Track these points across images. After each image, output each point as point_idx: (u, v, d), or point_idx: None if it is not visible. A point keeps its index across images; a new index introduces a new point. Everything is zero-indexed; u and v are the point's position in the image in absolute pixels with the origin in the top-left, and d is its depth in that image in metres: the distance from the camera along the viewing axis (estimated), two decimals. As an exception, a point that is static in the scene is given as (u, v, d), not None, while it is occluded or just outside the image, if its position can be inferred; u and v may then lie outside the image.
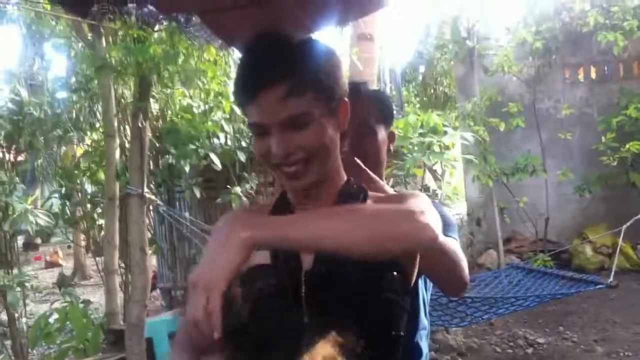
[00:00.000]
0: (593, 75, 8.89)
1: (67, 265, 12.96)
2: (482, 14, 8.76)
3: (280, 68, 1.13)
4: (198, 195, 6.26)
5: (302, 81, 1.14)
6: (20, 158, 5.96)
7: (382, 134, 1.71)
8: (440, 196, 6.83)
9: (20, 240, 8.50)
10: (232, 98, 6.70)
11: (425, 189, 6.97)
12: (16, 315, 5.34)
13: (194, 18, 2.90)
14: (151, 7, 2.65)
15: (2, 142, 5.59)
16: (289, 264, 1.18)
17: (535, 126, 8.02)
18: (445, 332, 5.62)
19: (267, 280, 1.18)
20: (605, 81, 8.77)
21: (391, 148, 1.77)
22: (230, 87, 7.20)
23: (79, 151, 7.71)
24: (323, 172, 1.21)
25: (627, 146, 7.32)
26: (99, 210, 6.51)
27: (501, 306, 4.87)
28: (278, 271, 1.19)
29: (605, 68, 8.80)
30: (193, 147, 5.88)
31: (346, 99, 1.23)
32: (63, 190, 6.23)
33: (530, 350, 5.42)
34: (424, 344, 1.74)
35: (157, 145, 6.37)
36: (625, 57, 8.40)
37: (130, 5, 2.59)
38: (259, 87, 1.13)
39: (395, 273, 1.16)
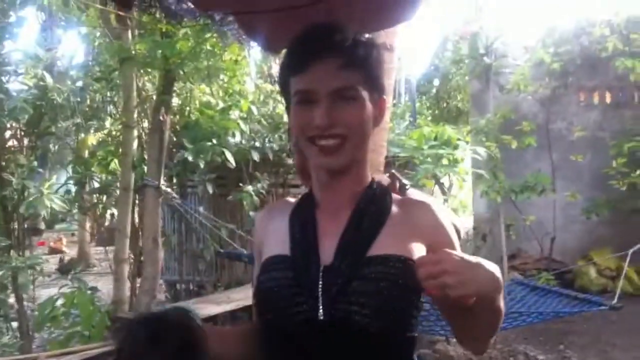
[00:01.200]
0: (608, 99, 8.93)
1: (70, 253, 13.02)
2: (501, 32, 8.81)
3: (339, 41, 1.20)
4: (210, 191, 6.33)
5: (356, 59, 1.20)
6: (39, 143, 6.01)
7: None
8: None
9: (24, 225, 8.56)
10: (250, 97, 6.80)
11: (433, 201, 7.01)
12: (25, 297, 5.40)
13: (229, 17, 2.96)
14: (189, 4, 2.72)
15: (22, 126, 5.66)
16: (308, 257, 1.21)
17: (547, 146, 8.05)
18: (446, 342, 5.66)
19: (284, 272, 1.21)
20: (620, 107, 8.81)
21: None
22: (250, 86, 7.31)
23: (92, 140, 7.79)
24: (355, 157, 1.24)
25: (638, 172, 7.36)
26: (106, 199, 6.58)
27: (503, 321, 4.90)
28: (296, 263, 1.21)
29: (621, 94, 8.83)
30: (209, 143, 5.96)
31: (385, 98, 1.28)
32: (77, 177, 6.30)
33: (529, 367, 5.46)
34: None
35: (174, 139, 6.45)
36: (641, 84, 8.44)
37: (170, 0, 2.65)
38: (317, 54, 1.18)
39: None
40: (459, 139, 6.61)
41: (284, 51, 1.34)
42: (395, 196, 1.32)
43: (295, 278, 1.19)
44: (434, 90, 14.49)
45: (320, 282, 1.16)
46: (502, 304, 1.20)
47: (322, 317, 1.14)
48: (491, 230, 8.51)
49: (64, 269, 10.15)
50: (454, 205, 11.49)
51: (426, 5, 2.33)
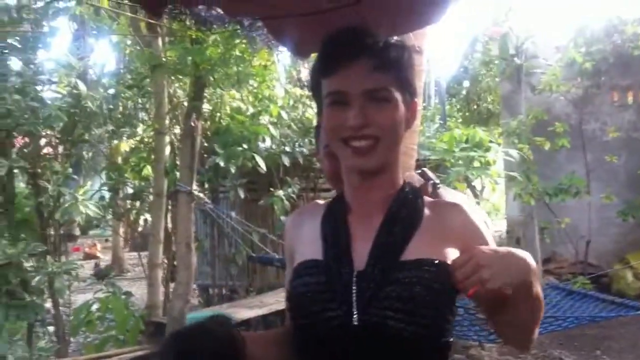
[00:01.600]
0: (642, 99, 8.77)
1: (105, 258, 13.20)
2: (531, 32, 8.72)
3: (370, 44, 1.20)
4: (242, 195, 6.36)
5: (388, 61, 1.20)
6: (73, 150, 6.10)
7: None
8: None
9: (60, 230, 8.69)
10: (279, 102, 6.83)
11: (465, 204, 6.96)
12: (61, 301, 5.48)
13: (258, 22, 2.99)
14: (219, 10, 2.75)
15: (57, 134, 5.76)
16: (341, 262, 1.20)
17: (580, 147, 7.94)
18: (480, 347, 5.61)
19: (317, 277, 1.20)
20: (655, 106, 8.65)
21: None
22: (279, 91, 7.34)
23: (124, 146, 7.89)
24: (388, 159, 1.23)
25: (675, 172, 7.22)
26: (139, 204, 6.67)
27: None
28: (329, 268, 1.20)
29: (655, 93, 8.67)
30: (240, 148, 6.00)
31: (416, 100, 1.28)
32: (111, 184, 6.40)
33: (565, 372, 5.37)
34: None
35: (205, 145, 6.50)
36: (676, 82, 8.28)
37: (200, 7, 2.69)
38: (348, 56, 1.18)
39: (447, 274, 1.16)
40: (490, 141, 6.54)
41: (313, 55, 1.34)
42: (427, 199, 1.31)
43: (328, 283, 1.18)
44: (463, 92, 14.38)
45: (354, 287, 1.16)
46: (539, 289, 1.20)
47: (356, 323, 1.13)
48: (525, 233, 8.41)
49: (99, 274, 10.30)
50: (487, 209, 11.40)
51: (454, 6, 2.31)
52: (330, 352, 1.16)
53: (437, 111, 12.27)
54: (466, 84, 14.35)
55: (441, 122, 11.38)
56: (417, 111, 1.29)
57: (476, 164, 6.26)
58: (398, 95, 1.21)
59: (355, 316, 1.13)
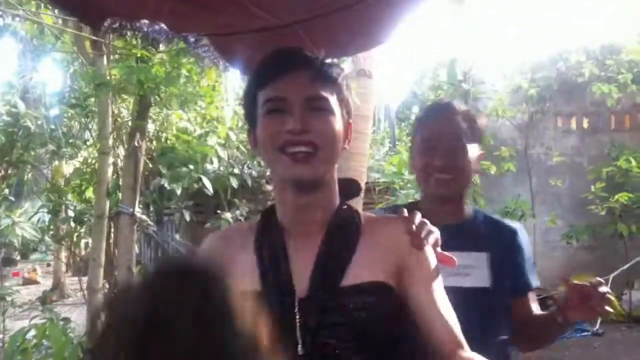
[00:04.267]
0: (585, 125, 8.99)
1: (45, 283, 12.78)
2: (479, 58, 8.88)
3: (312, 59, 1.21)
4: (188, 218, 6.23)
5: (328, 75, 1.20)
6: (10, 171, 5.90)
7: (472, 151, 1.72)
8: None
9: (-1, 255, 8.38)
10: (228, 123, 6.73)
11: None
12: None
13: (204, 39, 2.91)
14: (163, 26, 2.67)
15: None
16: (282, 291, 1.13)
17: (526, 171, 8.08)
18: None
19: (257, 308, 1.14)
20: (597, 132, 8.87)
21: (478, 168, 1.83)
22: (227, 113, 7.24)
23: (65, 168, 7.66)
24: (326, 172, 1.19)
25: (617, 197, 7.39)
26: (82, 228, 6.46)
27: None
28: (270, 298, 1.12)
29: (598, 119, 8.90)
30: (186, 169, 5.87)
31: (351, 122, 1.24)
32: (51, 205, 6.19)
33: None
34: None
35: (150, 166, 6.35)
36: (617, 109, 8.52)
37: (142, 21, 2.60)
38: (294, 64, 1.18)
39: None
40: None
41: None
42: (365, 215, 1.27)
43: (270, 314, 1.11)
44: (413, 117, 14.52)
45: (297, 316, 1.10)
46: None
47: (300, 353, 1.08)
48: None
49: (45, 300, 9.94)
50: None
51: (402, 28, 2.31)
52: None
53: (387, 135, 12.36)
54: (415, 108, 14.51)
55: (390, 145, 11.45)
56: (352, 133, 1.24)
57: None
58: (337, 110, 1.18)
59: (299, 347, 1.08)
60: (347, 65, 8.33)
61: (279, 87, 1.16)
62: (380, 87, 11.17)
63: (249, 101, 1.23)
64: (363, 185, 7.15)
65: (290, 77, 1.16)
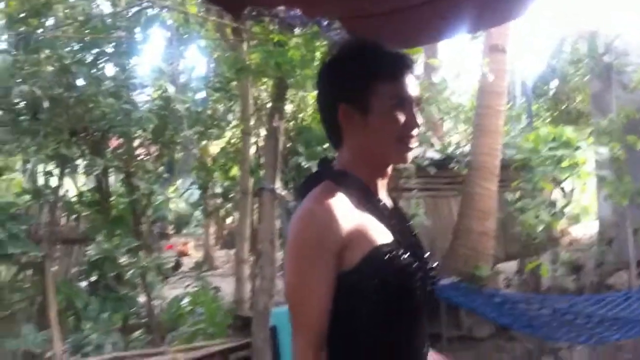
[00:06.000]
0: None
1: (196, 256, 13.63)
2: (622, 30, 8.39)
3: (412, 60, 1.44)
4: (323, 195, 6.43)
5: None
6: (165, 151, 6.37)
7: None
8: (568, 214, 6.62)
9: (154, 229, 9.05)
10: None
11: (552, 204, 6.79)
12: (152, 295, 5.75)
13: (336, 23, 3.06)
14: (298, 11, 2.84)
15: (149, 135, 6.04)
16: (415, 242, 1.42)
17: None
18: (569, 351, 5.46)
19: (405, 255, 1.33)
20: None
21: None
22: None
23: (211, 148, 8.15)
24: None
25: None
26: (227, 203, 6.88)
27: (632, 328, 4.63)
28: (411, 248, 1.36)
29: None
30: (322, 148, 6.08)
31: None
32: (200, 183, 6.64)
33: (659, 376, 5.15)
34: None
35: (288, 145, 6.63)
36: None
37: (279, 8, 2.78)
38: (410, 66, 1.39)
39: None
40: (579, 141, 6.35)
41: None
42: None
43: (416, 259, 1.34)
44: (551, 92, 13.93)
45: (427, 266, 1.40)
46: None
47: (428, 289, 1.38)
48: (617, 235, 8.10)
49: (194, 271, 10.63)
50: (577, 210, 11.04)
51: (536, 3, 2.29)
52: (418, 313, 1.37)
53: (523, 111, 11.96)
54: (554, 83, 13.90)
55: (527, 121, 11.10)
56: None
57: (565, 164, 6.10)
58: None
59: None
60: (478, 40, 8.20)
61: (404, 87, 1.36)
62: (515, 62, 10.83)
63: (362, 85, 1.36)
64: (498, 163, 7.02)
65: (409, 78, 1.37)
